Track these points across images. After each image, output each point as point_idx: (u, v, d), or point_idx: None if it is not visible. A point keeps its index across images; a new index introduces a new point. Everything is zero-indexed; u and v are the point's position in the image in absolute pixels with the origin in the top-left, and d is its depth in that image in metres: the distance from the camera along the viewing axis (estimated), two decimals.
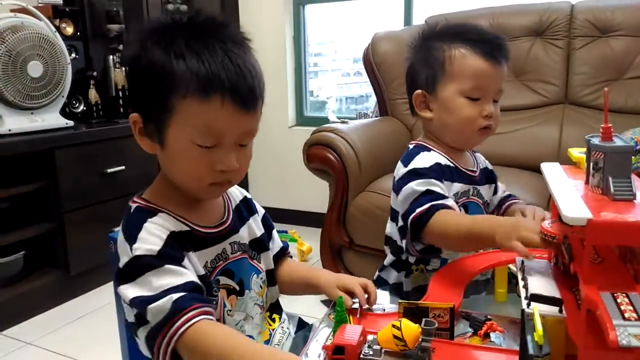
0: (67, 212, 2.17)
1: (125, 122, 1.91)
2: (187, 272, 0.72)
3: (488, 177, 1.16)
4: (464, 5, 2.51)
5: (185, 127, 0.72)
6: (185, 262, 0.73)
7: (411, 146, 1.10)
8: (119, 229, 0.78)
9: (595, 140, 0.61)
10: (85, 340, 1.92)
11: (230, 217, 0.85)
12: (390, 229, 1.10)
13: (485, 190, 1.12)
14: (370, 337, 0.69)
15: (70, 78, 2.23)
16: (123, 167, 2.36)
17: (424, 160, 1.03)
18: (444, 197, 0.97)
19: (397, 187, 1.03)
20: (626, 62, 2.10)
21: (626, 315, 0.45)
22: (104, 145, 2.31)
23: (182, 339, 0.66)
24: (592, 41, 2.16)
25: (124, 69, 2.47)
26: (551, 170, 0.71)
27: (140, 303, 0.68)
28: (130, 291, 0.70)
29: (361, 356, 0.65)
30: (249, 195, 0.94)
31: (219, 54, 0.71)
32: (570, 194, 0.58)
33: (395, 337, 0.64)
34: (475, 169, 1.11)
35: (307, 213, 2.97)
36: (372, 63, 2.45)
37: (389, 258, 1.13)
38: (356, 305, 0.84)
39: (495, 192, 1.17)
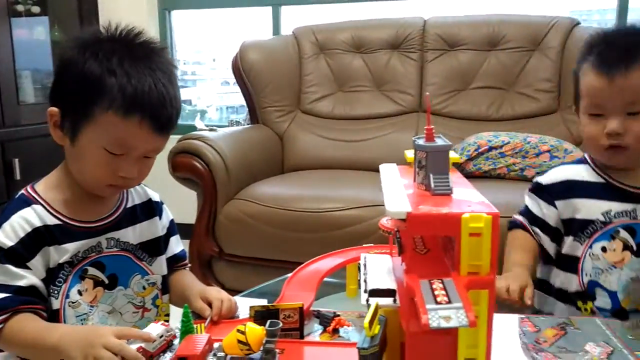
0: None
1: None
2: (26, 275, 0.79)
3: None
4: (330, 18, 2.61)
5: (100, 135, 0.80)
6: (33, 260, 0.80)
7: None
8: None
9: (420, 141, 0.66)
10: None
11: (117, 214, 0.90)
12: None
13: None
14: (216, 345, 0.67)
15: None
16: None
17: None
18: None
19: None
20: (471, 74, 2.32)
21: (438, 299, 0.49)
22: None
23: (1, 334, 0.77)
24: (442, 54, 2.35)
25: None
26: (387, 171, 0.75)
27: None
28: None
29: None
30: (156, 199, 0.99)
31: (147, 80, 0.80)
32: (397, 191, 0.62)
33: (239, 341, 0.63)
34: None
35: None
36: (241, 71, 2.44)
37: None
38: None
39: None
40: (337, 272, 0.94)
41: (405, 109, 2.37)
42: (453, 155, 0.73)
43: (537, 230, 1.02)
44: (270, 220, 1.80)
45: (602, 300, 0.97)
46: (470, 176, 1.95)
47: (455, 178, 0.67)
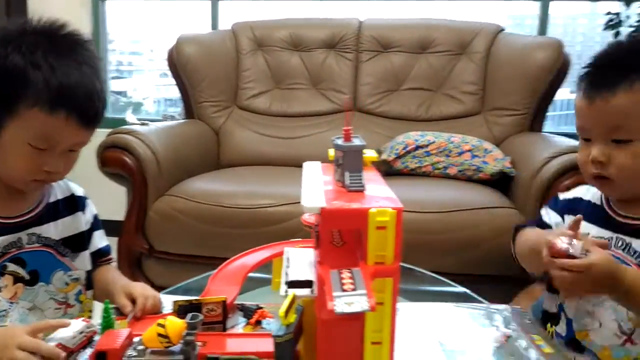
0: None
1: None
2: None
3: None
4: (269, 15, 2.62)
5: (25, 130, 0.79)
6: None
7: None
8: None
9: (339, 141, 0.70)
10: None
11: (38, 210, 0.89)
12: None
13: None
14: (137, 339, 0.68)
15: None
16: None
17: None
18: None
19: None
20: (403, 75, 2.41)
21: (345, 287, 0.53)
22: None
23: None
24: (376, 55, 2.42)
25: None
26: (310, 168, 0.79)
27: None
28: None
29: (124, 359, 0.64)
30: (79, 193, 0.98)
31: (73, 74, 0.79)
32: (316, 187, 0.65)
33: (159, 334, 0.64)
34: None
35: (103, 222, 2.76)
36: (177, 65, 2.41)
37: None
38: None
39: None
40: (267, 267, 0.96)
41: (340, 107, 2.42)
42: (371, 155, 0.78)
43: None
44: (202, 217, 1.79)
45: (561, 327, 0.92)
46: (398, 174, 2.03)
47: (372, 176, 0.72)
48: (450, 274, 1.27)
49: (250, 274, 1.00)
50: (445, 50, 2.35)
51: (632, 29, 2.19)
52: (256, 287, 1.00)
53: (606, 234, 0.88)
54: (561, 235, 0.79)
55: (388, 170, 2.05)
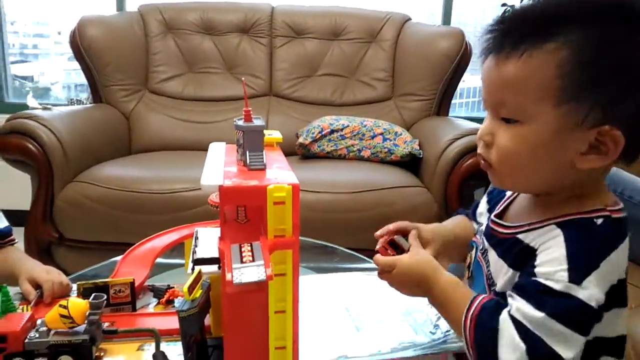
0: None
1: None
2: None
3: None
4: None
5: None
6: None
7: None
8: None
9: (240, 122, 0.72)
10: None
11: None
12: None
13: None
14: (40, 321, 0.68)
15: None
16: None
17: None
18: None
19: None
20: (317, 61, 2.46)
21: (244, 259, 0.56)
22: None
23: None
24: (290, 41, 2.45)
25: None
26: (215, 149, 0.81)
27: None
28: None
29: (26, 341, 0.64)
30: None
31: None
32: (216, 167, 0.67)
33: (62, 315, 0.64)
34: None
35: (6, 212, 2.61)
36: (80, 47, 2.29)
37: None
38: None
39: None
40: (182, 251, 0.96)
41: (256, 92, 2.43)
42: (276, 135, 0.81)
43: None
44: (113, 203, 1.75)
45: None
46: (315, 157, 2.09)
47: (275, 156, 0.75)
48: (365, 249, 1.34)
49: (166, 259, 1.02)
50: (357, 38, 2.43)
51: None
52: (170, 269, 1.01)
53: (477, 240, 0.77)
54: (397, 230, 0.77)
55: (306, 154, 2.10)
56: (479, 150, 0.68)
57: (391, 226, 0.79)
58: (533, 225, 0.64)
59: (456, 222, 0.86)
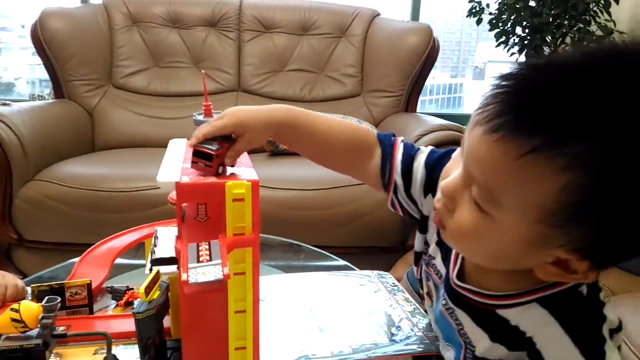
0: None
1: None
2: None
3: None
4: None
5: None
6: None
7: None
8: None
9: (200, 117, 0.70)
10: None
11: None
12: None
13: None
14: None
15: None
16: None
17: None
18: None
19: None
20: (286, 56, 2.44)
21: (201, 258, 0.55)
22: None
23: None
24: (258, 36, 2.42)
25: None
26: (175, 145, 0.78)
27: None
28: None
29: None
30: None
31: None
32: (174, 163, 0.65)
33: (13, 320, 0.62)
34: None
35: None
36: (42, 41, 2.22)
37: None
38: None
39: None
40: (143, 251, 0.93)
41: (224, 87, 2.40)
42: None
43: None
44: (75, 202, 1.69)
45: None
46: (284, 153, 2.07)
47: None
48: (332, 247, 1.34)
49: (127, 260, 0.99)
50: (326, 33, 2.41)
51: (492, 16, 2.38)
52: (131, 270, 0.98)
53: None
54: None
55: (275, 150, 2.08)
56: (437, 205, 0.57)
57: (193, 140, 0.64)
58: (511, 300, 0.56)
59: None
